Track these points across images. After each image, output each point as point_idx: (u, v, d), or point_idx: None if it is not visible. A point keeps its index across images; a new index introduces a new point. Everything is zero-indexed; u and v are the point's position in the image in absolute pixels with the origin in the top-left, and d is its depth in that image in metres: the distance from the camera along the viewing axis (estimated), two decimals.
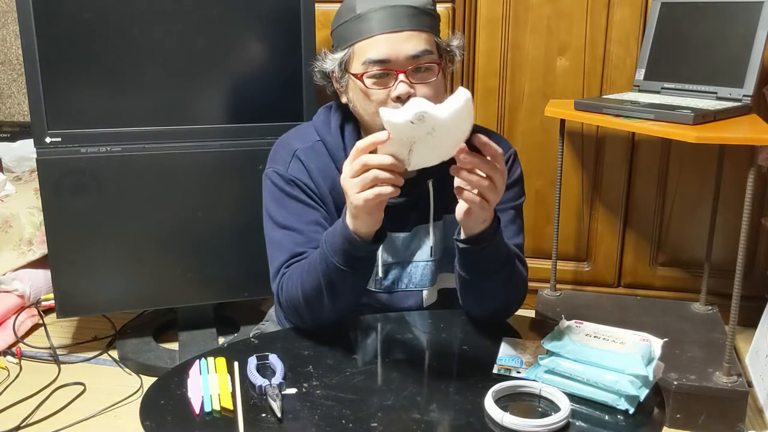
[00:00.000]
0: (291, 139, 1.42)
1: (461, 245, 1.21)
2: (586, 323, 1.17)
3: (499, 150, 1.09)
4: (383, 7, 1.24)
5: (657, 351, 1.12)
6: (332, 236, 1.20)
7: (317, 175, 1.35)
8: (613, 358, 1.07)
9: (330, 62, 1.32)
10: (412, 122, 1.05)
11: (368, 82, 1.25)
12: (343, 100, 1.34)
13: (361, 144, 1.08)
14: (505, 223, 1.35)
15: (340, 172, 1.26)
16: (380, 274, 1.38)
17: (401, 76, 1.24)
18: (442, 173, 1.33)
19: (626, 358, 1.06)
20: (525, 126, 2.37)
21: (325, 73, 1.34)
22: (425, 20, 1.27)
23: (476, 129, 1.49)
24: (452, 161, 1.10)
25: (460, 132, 1.07)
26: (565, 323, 1.17)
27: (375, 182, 1.09)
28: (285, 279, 1.31)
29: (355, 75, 1.27)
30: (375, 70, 1.25)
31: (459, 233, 1.21)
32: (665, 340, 1.15)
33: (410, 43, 1.24)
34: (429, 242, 1.39)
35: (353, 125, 1.36)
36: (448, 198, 1.35)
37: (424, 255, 1.40)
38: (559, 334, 1.14)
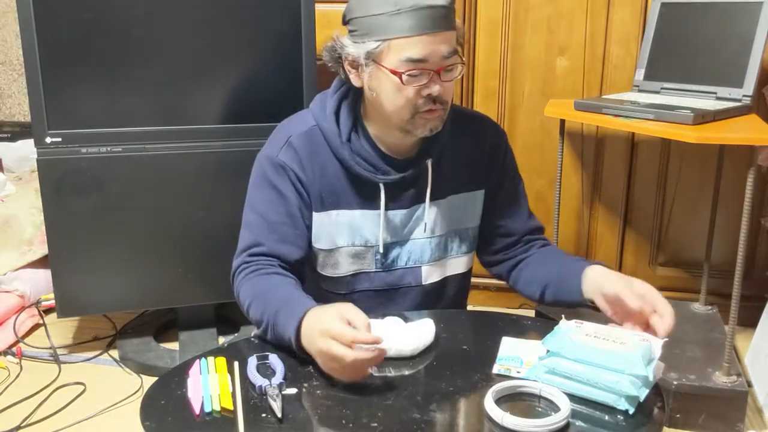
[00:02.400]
0: (289, 125, 1.45)
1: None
2: (586, 323, 1.18)
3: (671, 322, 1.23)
4: (424, 6, 1.25)
5: (657, 351, 1.12)
6: (284, 324, 1.21)
7: (307, 161, 1.39)
8: (613, 358, 1.07)
9: (354, 49, 1.31)
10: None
11: (405, 79, 1.27)
12: (357, 84, 1.35)
13: (366, 338, 1.10)
14: (527, 207, 1.53)
15: (334, 156, 1.37)
16: (381, 250, 1.42)
17: (436, 77, 1.28)
18: (440, 153, 1.39)
19: (626, 358, 1.06)
20: (525, 126, 2.37)
21: (337, 57, 1.35)
22: (453, 19, 1.30)
23: (469, 113, 1.55)
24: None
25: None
26: (565, 323, 1.17)
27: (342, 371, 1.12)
28: (243, 282, 1.37)
29: (390, 70, 1.28)
30: (412, 68, 1.27)
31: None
32: (665, 340, 1.15)
33: (444, 45, 1.27)
34: (425, 219, 1.42)
35: (348, 111, 1.39)
36: (447, 178, 1.42)
37: (420, 232, 1.43)
38: (558, 333, 1.14)
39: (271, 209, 1.38)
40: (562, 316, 1.21)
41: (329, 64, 1.38)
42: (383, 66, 1.28)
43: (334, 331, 1.10)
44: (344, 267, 1.43)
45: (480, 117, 1.53)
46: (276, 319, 1.23)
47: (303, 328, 1.17)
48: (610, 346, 1.09)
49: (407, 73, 1.26)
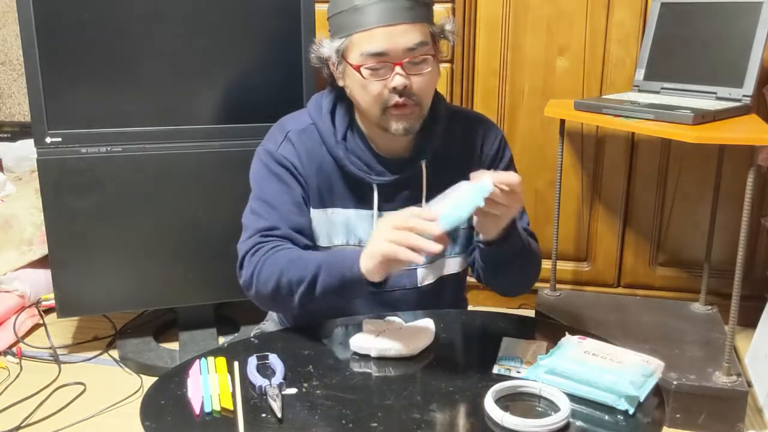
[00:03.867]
0: (286, 122, 1.47)
1: (481, 246, 1.31)
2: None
3: (516, 180, 1.15)
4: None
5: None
6: (340, 259, 1.24)
7: (305, 157, 1.40)
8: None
9: (327, 49, 1.35)
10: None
11: (366, 73, 1.29)
12: (340, 84, 1.38)
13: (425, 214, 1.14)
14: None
15: (329, 154, 1.38)
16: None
17: (398, 69, 1.28)
18: (435, 154, 1.38)
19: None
20: (525, 126, 2.37)
21: (321, 58, 1.38)
22: (420, 12, 1.30)
23: (464, 113, 1.54)
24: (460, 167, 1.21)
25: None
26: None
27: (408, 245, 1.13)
28: (267, 256, 1.33)
29: (352, 66, 1.30)
30: (372, 62, 1.28)
31: (478, 235, 1.30)
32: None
33: (407, 36, 1.27)
34: None
35: (344, 110, 1.40)
36: (441, 179, 1.40)
37: None
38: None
39: (279, 198, 1.38)
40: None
41: (317, 66, 1.40)
42: (348, 62, 1.31)
43: (392, 219, 1.15)
44: None
45: (476, 117, 1.52)
46: (329, 264, 1.25)
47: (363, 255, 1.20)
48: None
49: (366, 66, 1.28)
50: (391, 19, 1.26)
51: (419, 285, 1.45)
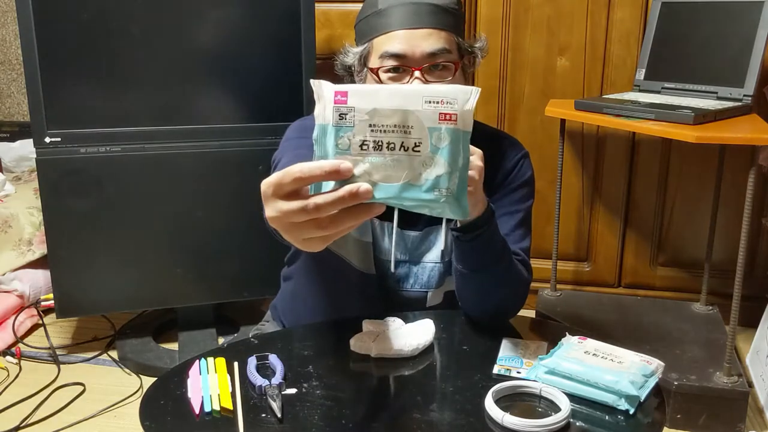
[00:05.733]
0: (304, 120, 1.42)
1: (455, 233, 1.20)
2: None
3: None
4: (404, 3, 1.24)
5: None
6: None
7: None
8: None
9: (351, 56, 1.33)
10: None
11: (383, 76, 1.26)
12: None
13: (315, 168, 0.76)
14: (513, 226, 1.36)
15: None
16: (392, 269, 1.38)
17: (417, 73, 1.25)
18: None
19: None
20: (525, 126, 2.37)
21: (347, 67, 1.36)
22: (446, 19, 1.27)
23: (488, 131, 1.50)
24: None
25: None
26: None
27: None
28: None
29: (371, 69, 1.28)
30: (390, 64, 1.25)
31: (455, 224, 1.21)
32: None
33: (428, 41, 1.25)
34: (440, 245, 1.38)
35: None
36: None
37: (433, 257, 1.40)
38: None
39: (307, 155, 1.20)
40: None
41: (342, 74, 1.37)
42: (369, 67, 1.28)
43: (271, 181, 0.77)
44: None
45: (501, 135, 1.47)
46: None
47: None
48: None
49: (384, 69, 1.25)
50: (412, 23, 1.24)
51: (426, 306, 1.42)
